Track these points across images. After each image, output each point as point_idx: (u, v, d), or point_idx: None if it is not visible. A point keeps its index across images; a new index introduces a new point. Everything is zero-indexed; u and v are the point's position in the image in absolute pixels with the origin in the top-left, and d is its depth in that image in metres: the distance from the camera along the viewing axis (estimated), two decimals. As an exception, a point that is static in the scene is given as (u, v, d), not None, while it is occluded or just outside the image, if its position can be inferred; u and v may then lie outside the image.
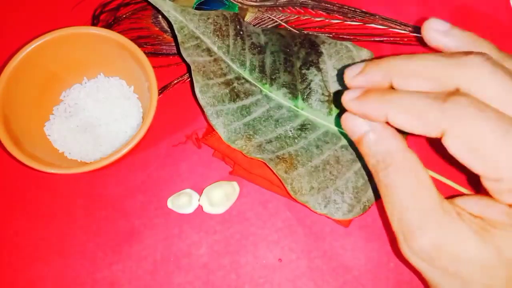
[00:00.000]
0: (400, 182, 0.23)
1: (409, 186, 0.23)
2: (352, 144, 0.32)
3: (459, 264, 0.22)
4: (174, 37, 0.37)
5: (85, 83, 0.36)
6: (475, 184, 0.32)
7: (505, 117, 0.21)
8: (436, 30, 0.25)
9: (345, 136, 0.33)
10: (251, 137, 0.32)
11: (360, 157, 0.32)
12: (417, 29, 0.38)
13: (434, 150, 0.35)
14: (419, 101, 0.22)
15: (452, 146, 0.22)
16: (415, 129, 0.22)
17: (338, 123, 0.33)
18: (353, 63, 0.31)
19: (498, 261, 0.22)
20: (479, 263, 0.22)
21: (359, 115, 0.25)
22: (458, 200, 0.25)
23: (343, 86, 0.34)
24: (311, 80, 0.34)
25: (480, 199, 0.24)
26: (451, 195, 0.26)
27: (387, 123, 0.24)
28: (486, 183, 0.23)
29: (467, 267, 0.22)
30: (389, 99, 0.23)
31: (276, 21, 0.38)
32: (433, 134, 0.22)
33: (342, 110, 0.28)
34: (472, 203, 0.24)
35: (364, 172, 0.32)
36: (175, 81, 0.37)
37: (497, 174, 0.21)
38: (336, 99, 0.34)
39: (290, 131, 0.33)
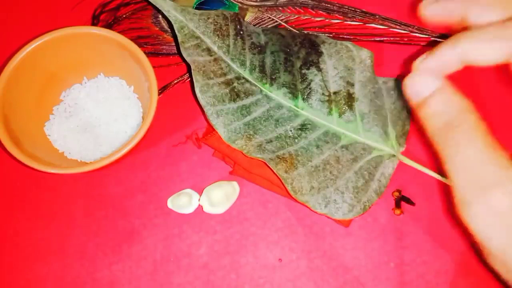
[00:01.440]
0: (473, 140, 0.22)
1: (481, 144, 0.22)
2: (352, 144, 0.32)
3: None
4: (174, 37, 0.37)
5: (85, 83, 0.36)
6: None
7: None
8: None
9: (345, 136, 0.33)
10: (251, 137, 0.32)
11: (359, 156, 0.32)
12: (418, 29, 0.38)
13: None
14: (497, 25, 0.22)
15: None
16: (496, 54, 0.22)
17: (341, 124, 0.33)
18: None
19: None
20: None
21: (433, 70, 0.24)
22: None
23: (343, 86, 0.34)
24: (311, 80, 0.34)
25: None
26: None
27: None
28: None
29: None
30: (460, 37, 0.23)
31: (276, 21, 0.38)
32: (501, 58, 0.22)
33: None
34: None
35: (364, 172, 0.32)
36: (175, 81, 0.37)
37: None
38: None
39: (290, 131, 0.33)
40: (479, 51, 0.22)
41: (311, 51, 0.35)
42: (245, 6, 0.39)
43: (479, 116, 0.23)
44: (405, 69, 0.37)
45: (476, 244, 0.23)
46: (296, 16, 0.39)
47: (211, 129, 0.34)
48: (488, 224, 0.22)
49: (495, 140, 0.22)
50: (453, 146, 0.23)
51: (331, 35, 0.38)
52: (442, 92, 0.23)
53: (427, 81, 0.24)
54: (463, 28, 0.24)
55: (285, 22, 0.38)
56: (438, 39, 0.37)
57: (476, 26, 0.24)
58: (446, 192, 0.33)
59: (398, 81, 0.35)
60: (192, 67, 0.33)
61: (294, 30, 0.38)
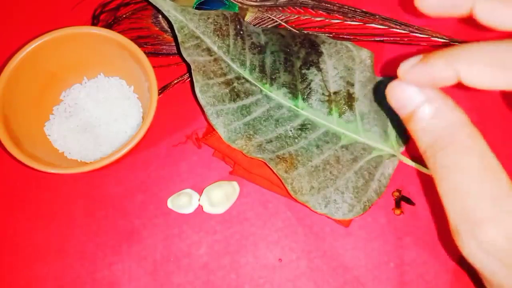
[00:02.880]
0: (465, 163, 0.19)
1: (475, 169, 0.19)
2: (352, 144, 0.32)
3: None
4: (174, 37, 0.37)
5: (85, 83, 0.36)
6: None
7: None
8: None
9: (345, 136, 0.33)
10: (251, 136, 0.32)
11: (359, 156, 0.32)
12: (418, 29, 0.38)
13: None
14: (496, 46, 0.19)
15: None
16: (495, 81, 0.19)
17: (341, 124, 0.33)
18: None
19: None
20: None
21: (422, 82, 0.20)
22: None
23: (343, 86, 0.34)
24: (311, 80, 0.34)
25: None
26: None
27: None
28: None
29: None
30: (457, 52, 0.19)
31: (276, 21, 0.38)
32: None
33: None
34: None
35: (364, 172, 0.32)
36: (175, 81, 0.37)
37: None
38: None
39: (290, 131, 0.33)
40: (479, 77, 0.19)
41: (311, 51, 0.35)
42: (245, 6, 0.39)
43: (476, 132, 0.20)
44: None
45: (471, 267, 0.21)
46: (296, 16, 0.39)
47: (211, 129, 0.34)
48: (481, 259, 0.20)
49: (494, 161, 0.20)
50: (443, 169, 0.20)
51: (331, 35, 0.38)
52: (431, 104, 0.20)
53: (414, 92, 0.21)
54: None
55: (285, 22, 0.38)
56: (438, 39, 0.37)
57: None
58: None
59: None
60: (192, 67, 0.33)
61: (294, 30, 0.38)
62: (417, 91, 0.21)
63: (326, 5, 0.39)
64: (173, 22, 0.34)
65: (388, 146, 0.33)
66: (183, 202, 0.33)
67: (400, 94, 0.21)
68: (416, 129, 0.21)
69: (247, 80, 0.34)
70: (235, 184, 0.34)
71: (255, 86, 0.34)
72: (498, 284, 0.20)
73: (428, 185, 0.34)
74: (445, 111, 0.20)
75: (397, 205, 0.33)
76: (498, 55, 0.19)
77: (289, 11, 0.39)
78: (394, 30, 0.38)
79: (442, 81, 0.20)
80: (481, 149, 0.19)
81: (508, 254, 0.19)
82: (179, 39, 0.33)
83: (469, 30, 0.38)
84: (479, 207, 0.19)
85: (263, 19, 0.39)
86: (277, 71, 0.34)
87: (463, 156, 0.19)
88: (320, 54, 0.35)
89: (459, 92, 0.22)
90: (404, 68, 0.21)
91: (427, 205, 0.33)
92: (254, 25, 0.38)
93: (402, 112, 0.21)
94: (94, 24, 0.39)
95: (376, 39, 0.38)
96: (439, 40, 0.37)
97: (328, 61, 0.35)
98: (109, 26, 0.39)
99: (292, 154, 0.32)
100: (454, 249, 0.31)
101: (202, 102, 0.32)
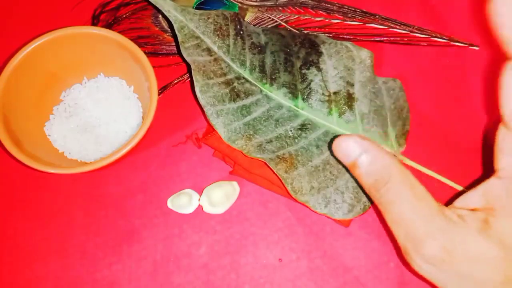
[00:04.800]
0: (401, 196, 0.24)
1: (410, 199, 0.24)
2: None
3: (470, 264, 0.23)
4: (174, 36, 0.37)
5: (85, 83, 0.36)
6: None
7: None
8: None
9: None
10: (251, 137, 0.32)
11: None
12: (418, 29, 0.38)
13: (433, 150, 0.35)
14: None
15: None
16: None
17: (341, 124, 0.33)
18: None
19: (504, 253, 0.22)
20: (488, 260, 0.22)
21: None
22: (458, 202, 0.26)
23: (343, 86, 0.34)
24: (311, 80, 0.34)
25: (470, 193, 0.25)
26: (454, 194, 0.26)
27: None
28: None
29: (478, 266, 0.23)
30: None
31: (276, 21, 0.38)
32: None
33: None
34: (472, 196, 0.25)
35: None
36: (175, 81, 0.37)
37: None
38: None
39: (290, 131, 0.33)
40: None
41: (311, 51, 0.35)
42: (245, 6, 0.39)
43: (405, 169, 0.24)
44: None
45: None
46: (296, 16, 0.39)
47: (211, 129, 0.34)
48: (429, 271, 0.24)
49: (422, 189, 0.24)
50: (384, 205, 0.24)
51: (331, 35, 0.38)
52: (367, 153, 0.25)
53: (354, 145, 0.25)
54: None
55: (285, 22, 0.38)
56: (438, 39, 0.37)
57: None
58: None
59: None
60: (192, 67, 0.33)
61: (294, 30, 0.38)
62: (355, 145, 0.25)
63: (326, 5, 0.39)
64: (173, 22, 0.34)
65: (388, 146, 0.33)
66: (183, 202, 0.33)
67: (343, 147, 0.25)
68: (358, 174, 0.25)
69: (247, 80, 0.34)
70: (235, 184, 0.34)
71: (255, 86, 0.34)
72: None
73: (428, 185, 0.34)
74: (379, 157, 0.24)
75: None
76: None
77: (289, 11, 0.39)
78: (394, 30, 0.38)
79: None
80: (411, 182, 0.24)
81: (449, 262, 0.23)
82: (179, 39, 0.33)
83: (469, 31, 0.38)
84: (417, 228, 0.23)
85: (263, 19, 0.39)
86: (277, 71, 0.34)
87: (400, 189, 0.24)
88: (320, 54, 0.35)
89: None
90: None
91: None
92: (254, 25, 0.38)
93: (346, 162, 0.26)
94: (94, 24, 0.39)
95: (376, 39, 0.38)
96: (439, 40, 0.37)
97: (328, 61, 0.35)
98: (109, 26, 0.39)
99: (292, 154, 0.32)
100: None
101: (202, 102, 0.32)
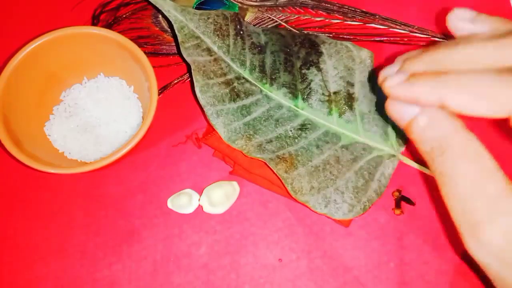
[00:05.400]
0: (461, 169, 0.21)
1: (472, 173, 0.20)
2: (352, 144, 0.32)
3: None
4: (174, 36, 0.37)
5: (85, 83, 0.36)
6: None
7: None
8: (462, 19, 0.23)
9: (345, 136, 0.33)
10: (251, 136, 0.32)
11: (359, 156, 0.32)
12: (418, 29, 0.38)
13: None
14: (482, 77, 0.20)
15: None
16: (479, 110, 0.20)
17: (341, 124, 0.33)
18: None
19: None
20: None
21: (406, 100, 0.22)
22: None
23: (343, 86, 0.34)
24: (311, 80, 0.34)
25: None
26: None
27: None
28: None
29: None
30: (443, 79, 0.20)
31: (276, 21, 0.38)
32: (501, 114, 0.19)
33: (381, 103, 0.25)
34: None
35: (364, 172, 0.32)
36: (175, 81, 0.37)
37: None
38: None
39: (290, 131, 0.33)
40: (466, 105, 0.20)
41: (311, 51, 0.35)
42: (245, 6, 0.39)
43: (470, 136, 0.21)
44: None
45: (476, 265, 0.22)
46: (296, 16, 0.39)
47: (211, 129, 0.34)
48: (483, 258, 0.21)
49: (489, 162, 0.21)
50: (442, 175, 0.21)
51: (331, 35, 0.38)
52: (425, 114, 0.22)
53: (407, 105, 0.22)
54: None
55: (285, 22, 0.38)
56: (438, 39, 0.37)
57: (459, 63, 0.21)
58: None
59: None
60: (192, 67, 0.33)
61: (294, 30, 0.38)
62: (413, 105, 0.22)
63: (326, 5, 0.39)
64: (173, 22, 0.34)
65: (388, 146, 0.33)
66: (183, 202, 0.33)
67: (397, 106, 0.22)
68: (414, 139, 0.22)
69: (247, 80, 0.34)
70: (235, 184, 0.34)
71: (255, 86, 0.34)
72: (502, 281, 0.21)
73: (428, 185, 0.34)
74: (439, 120, 0.21)
75: (397, 205, 0.33)
76: (485, 86, 0.20)
77: (289, 11, 0.39)
78: (394, 30, 0.38)
79: (425, 103, 0.21)
80: (476, 152, 0.21)
81: (507, 252, 0.20)
82: (179, 39, 0.33)
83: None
84: (476, 209, 0.20)
85: (263, 19, 0.39)
86: (277, 71, 0.34)
87: (459, 161, 0.21)
88: (320, 54, 0.35)
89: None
90: (389, 85, 0.22)
91: (427, 205, 0.33)
92: (254, 25, 0.38)
93: (400, 123, 0.23)
94: (94, 24, 0.39)
95: (376, 39, 0.38)
96: (439, 40, 0.37)
97: (328, 61, 0.35)
98: (109, 26, 0.39)
99: (292, 154, 0.32)
100: (457, 243, 0.32)
101: (202, 102, 0.32)
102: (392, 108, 0.23)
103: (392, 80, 0.22)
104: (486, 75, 0.20)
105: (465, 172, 0.21)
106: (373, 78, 0.34)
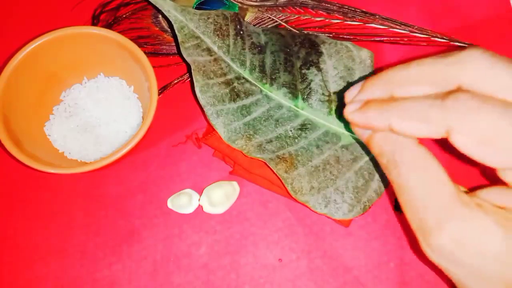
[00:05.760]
0: (413, 180, 0.22)
1: (423, 183, 0.22)
2: (352, 144, 0.32)
3: (482, 259, 0.21)
4: (174, 36, 0.37)
5: (85, 83, 0.36)
6: (492, 178, 0.32)
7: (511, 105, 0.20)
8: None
9: (345, 136, 0.33)
10: (251, 136, 0.32)
11: (359, 156, 0.32)
12: (418, 29, 0.38)
13: (442, 149, 0.35)
14: (420, 103, 0.22)
15: (460, 143, 0.21)
16: (420, 132, 0.22)
17: (345, 126, 0.33)
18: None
19: None
20: (503, 256, 0.21)
21: (362, 126, 0.25)
22: (481, 192, 0.24)
23: (343, 86, 0.34)
24: (311, 80, 0.34)
25: (503, 189, 0.23)
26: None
27: None
28: (503, 174, 0.22)
29: (491, 262, 0.21)
30: (388, 108, 0.23)
31: (276, 21, 0.38)
32: (438, 134, 0.21)
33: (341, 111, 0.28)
34: (495, 193, 0.23)
35: (364, 172, 0.32)
36: (175, 81, 0.37)
37: None
38: (339, 104, 0.34)
39: (290, 131, 0.33)
40: (407, 128, 0.22)
41: (311, 51, 0.35)
42: (245, 6, 0.39)
43: (421, 150, 0.23)
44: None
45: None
46: (296, 16, 0.39)
47: (211, 129, 0.34)
48: (439, 262, 0.23)
49: (439, 172, 0.22)
50: (396, 188, 0.23)
51: (331, 35, 0.38)
52: (380, 131, 0.24)
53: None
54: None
55: (285, 22, 0.38)
56: (438, 39, 0.37)
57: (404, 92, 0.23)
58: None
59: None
60: (192, 67, 0.33)
61: (294, 30, 0.38)
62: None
63: (326, 5, 0.39)
64: (173, 22, 0.34)
65: (388, 146, 0.33)
66: (183, 202, 0.33)
67: (356, 127, 0.25)
68: (373, 153, 0.25)
69: (247, 80, 0.34)
70: (235, 184, 0.34)
71: (255, 86, 0.34)
72: (461, 284, 0.23)
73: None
74: (391, 137, 0.23)
75: (397, 205, 0.33)
76: (422, 111, 0.22)
77: (289, 11, 0.39)
78: (394, 30, 0.38)
79: (377, 128, 0.24)
80: (425, 164, 0.22)
81: (458, 255, 0.22)
82: (179, 39, 0.33)
83: (469, 31, 0.38)
84: (427, 217, 0.22)
85: (263, 19, 0.39)
86: (277, 71, 0.34)
87: (410, 173, 0.22)
88: (320, 54, 0.35)
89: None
90: (347, 112, 0.25)
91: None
92: (254, 25, 0.38)
93: (362, 139, 0.25)
94: (94, 24, 0.39)
95: (376, 39, 0.38)
96: (439, 40, 0.37)
97: (328, 61, 0.35)
98: (109, 26, 0.39)
99: (292, 154, 0.32)
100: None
101: (202, 102, 0.32)
102: (354, 128, 0.26)
103: (349, 107, 0.25)
104: (425, 101, 0.22)
105: (415, 184, 0.22)
106: None
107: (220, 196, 0.33)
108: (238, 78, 0.34)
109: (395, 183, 0.23)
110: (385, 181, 0.32)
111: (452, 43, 0.37)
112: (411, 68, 0.23)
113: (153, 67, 0.32)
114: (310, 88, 0.34)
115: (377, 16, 0.38)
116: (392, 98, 0.24)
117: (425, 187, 0.22)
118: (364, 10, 0.39)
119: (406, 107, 0.22)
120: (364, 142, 0.25)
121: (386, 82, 0.24)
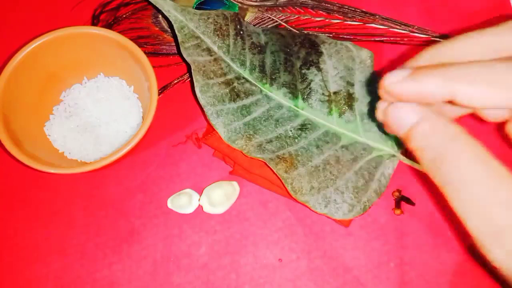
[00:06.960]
0: (471, 174, 0.19)
1: (482, 178, 0.19)
2: (352, 144, 0.32)
3: None
4: (174, 37, 0.37)
5: (85, 83, 0.36)
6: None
7: None
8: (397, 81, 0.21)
9: (345, 136, 0.33)
10: (251, 136, 0.32)
11: (359, 156, 0.32)
12: (418, 28, 0.38)
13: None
14: (494, 66, 0.18)
15: None
16: (494, 101, 0.18)
17: (341, 124, 0.33)
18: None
19: None
20: None
21: (410, 99, 0.20)
22: None
23: (343, 86, 0.34)
24: (311, 80, 0.34)
25: None
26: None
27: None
28: None
29: None
30: (454, 71, 0.19)
31: (276, 21, 0.38)
32: None
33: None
34: None
35: (364, 172, 0.32)
36: (175, 81, 0.37)
37: None
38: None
39: (290, 131, 0.33)
40: (482, 96, 0.18)
41: (311, 51, 0.35)
42: (245, 6, 0.39)
43: (473, 141, 0.19)
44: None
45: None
46: (296, 16, 0.39)
47: (211, 129, 0.34)
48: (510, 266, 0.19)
49: (498, 166, 0.19)
50: (450, 184, 0.20)
51: (331, 35, 0.38)
52: (425, 122, 0.20)
53: (407, 112, 0.21)
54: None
55: (285, 22, 0.38)
56: (438, 39, 0.37)
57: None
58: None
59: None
60: (192, 67, 0.33)
61: (294, 30, 0.38)
62: (409, 111, 0.20)
63: (326, 5, 0.39)
64: (173, 22, 0.34)
65: (388, 146, 0.33)
66: (183, 202, 0.33)
67: (395, 115, 0.21)
68: (415, 148, 0.21)
69: (247, 80, 0.34)
70: (235, 184, 0.34)
71: (255, 86, 0.34)
72: None
73: (428, 185, 0.34)
74: (440, 127, 0.20)
75: (397, 205, 0.33)
76: (497, 74, 0.18)
77: (289, 11, 0.39)
78: (394, 30, 0.38)
79: (432, 99, 0.19)
80: (482, 157, 0.19)
81: None
82: (179, 39, 0.33)
83: (469, 31, 0.38)
84: (498, 216, 0.19)
85: (263, 19, 0.39)
86: (277, 71, 0.34)
87: (467, 166, 0.19)
88: (320, 54, 0.35)
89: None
90: (391, 81, 0.20)
91: (427, 205, 0.33)
92: (254, 25, 0.38)
93: (398, 132, 0.21)
94: (94, 24, 0.39)
95: (376, 39, 0.38)
96: (439, 40, 0.37)
97: (328, 61, 0.35)
98: (109, 26, 0.39)
99: (292, 154, 0.32)
100: (463, 236, 0.31)
101: (202, 102, 0.32)
102: (389, 118, 0.21)
103: (393, 76, 0.20)
104: (496, 63, 0.18)
105: (475, 177, 0.19)
106: (373, 82, 0.34)
107: (220, 196, 0.33)
108: (238, 78, 0.34)
109: (446, 179, 0.20)
110: (385, 179, 0.32)
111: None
112: (459, 41, 0.20)
113: (153, 67, 0.32)
114: (310, 88, 0.34)
115: (377, 16, 0.38)
116: (450, 63, 0.19)
117: (487, 180, 0.19)
118: (364, 10, 0.39)
119: (476, 70, 0.18)
120: (402, 136, 0.21)
121: (432, 56, 0.20)
